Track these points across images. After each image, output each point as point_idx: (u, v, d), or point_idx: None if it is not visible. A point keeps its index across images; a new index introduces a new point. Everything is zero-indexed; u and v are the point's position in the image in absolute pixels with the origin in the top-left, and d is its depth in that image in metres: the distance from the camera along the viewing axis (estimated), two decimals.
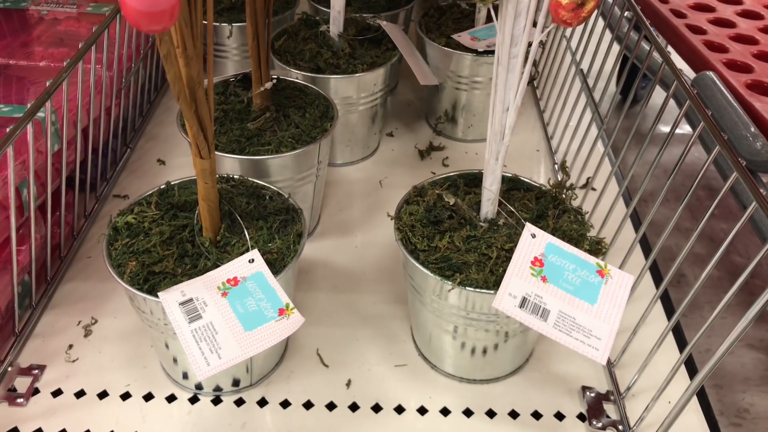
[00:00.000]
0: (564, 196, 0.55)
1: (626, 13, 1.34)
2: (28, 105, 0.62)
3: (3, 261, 0.55)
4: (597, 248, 0.51)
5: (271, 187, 0.56)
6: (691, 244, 0.49)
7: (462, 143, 0.84)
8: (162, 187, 0.55)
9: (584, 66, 0.82)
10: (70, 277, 0.64)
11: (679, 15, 1.05)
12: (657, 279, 0.70)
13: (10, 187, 0.51)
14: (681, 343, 0.62)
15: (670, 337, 0.61)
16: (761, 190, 0.44)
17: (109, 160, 0.75)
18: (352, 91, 0.73)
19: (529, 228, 0.50)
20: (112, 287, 0.62)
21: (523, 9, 0.45)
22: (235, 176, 0.57)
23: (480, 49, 0.75)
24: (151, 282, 0.47)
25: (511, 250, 0.49)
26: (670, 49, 1.06)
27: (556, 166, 0.80)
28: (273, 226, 0.52)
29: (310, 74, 0.71)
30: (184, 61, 0.41)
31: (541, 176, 0.79)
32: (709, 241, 1.09)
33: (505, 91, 0.48)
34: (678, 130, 0.55)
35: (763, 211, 0.43)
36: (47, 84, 0.54)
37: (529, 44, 0.47)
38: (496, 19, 0.46)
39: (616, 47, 0.79)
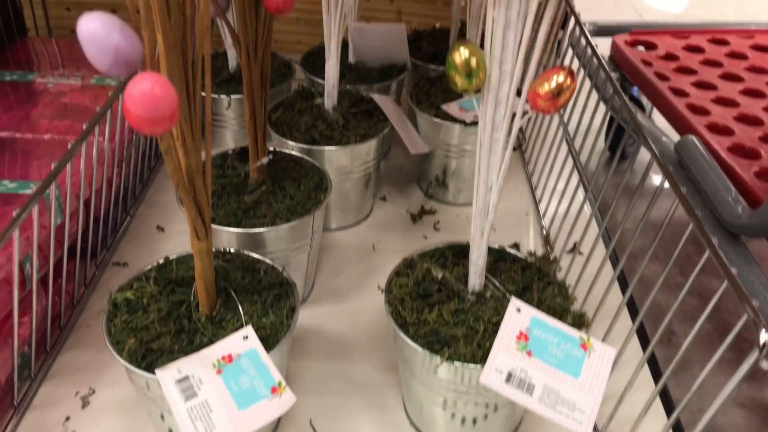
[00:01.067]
0: (548, 269, 0.57)
1: (613, 74, 1.38)
2: (33, 184, 0.65)
3: (4, 335, 0.57)
4: (580, 322, 0.53)
5: (266, 261, 0.58)
6: (679, 301, 0.51)
7: (453, 207, 0.86)
8: (160, 262, 0.57)
9: (573, 122, 0.84)
10: (69, 347, 0.65)
11: (663, 78, 1.09)
12: (646, 339, 0.71)
13: (14, 264, 0.53)
14: (669, 408, 0.63)
15: (660, 400, 0.63)
16: (732, 270, 0.46)
17: (109, 228, 0.77)
18: (346, 161, 0.75)
19: (515, 302, 0.52)
20: (111, 357, 0.62)
21: (503, 98, 0.48)
22: (231, 250, 0.59)
23: (468, 120, 0.78)
24: (148, 359, 0.49)
25: (497, 323, 0.51)
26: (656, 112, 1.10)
27: (544, 230, 0.82)
28: (267, 300, 0.54)
29: (305, 146, 0.74)
30: (184, 152, 0.43)
31: (530, 240, 0.81)
32: (698, 297, 1.10)
33: (488, 173, 0.50)
34: (666, 184, 0.57)
35: (734, 290, 0.45)
36: (52, 165, 0.56)
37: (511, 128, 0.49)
38: (478, 106, 0.49)
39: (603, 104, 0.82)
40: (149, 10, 0.35)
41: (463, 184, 0.84)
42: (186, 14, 0.39)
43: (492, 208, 0.51)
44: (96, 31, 0.35)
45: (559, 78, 0.46)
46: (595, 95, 0.85)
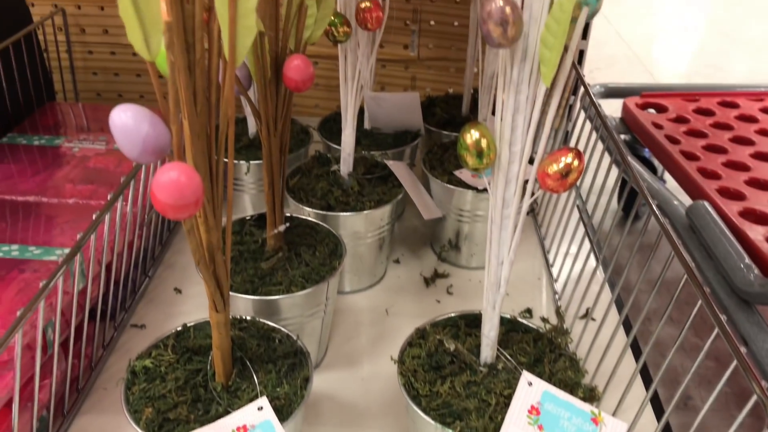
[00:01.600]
0: (560, 341, 0.58)
1: (623, 137, 1.40)
2: (57, 250, 0.67)
3: (24, 399, 0.58)
4: (591, 395, 0.53)
5: (281, 329, 0.59)
6: (695, 367, 0.51)
7: (465, 270, 0.87)
8: (179, 329, 0.59)
9: (586, 182, 0.85)
10: (86, 410, 0.66)
11: (674, 141, 1.10)
12: (660, 404, 0.71)
13: (38, 331, 0.55)
14: None
15: None
16: (741, 349, 0.47)
17: (128, 290, 0.79)
18: (360, 227, 0.77)
19: (526, 376, 0.52)
20: (127, 422, 0.64)
21: (513, 177, 0.50)
22: (247, 317, 0.60)
23: (480, 187, 0.80)
24: (165, 428, 0.49)
25: (509, 396, 0.52)
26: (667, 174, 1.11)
27: (556, 295, 0.82)
28: (281, 370, 0.55)
29: (321, 212, 0.75)
30: (205, 229, 0.45)
31: (542, 305, 0.82)
32: (714, 360, 1.10)
33: (499, 247, 0.52)
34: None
35: (742, 369, 0.45)
36: (78, 235, 0.58)
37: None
38: (489, 186, 0.51)
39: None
40: (177, 104, 0.37)
41: (475, 248, 0.86)
42: (211, 101, 0.42)
43: (504, 281, 0.52)
44: (127, 122, 0.37)
45: (567, 159, 0.47)
46: (608, 156, 0.87)
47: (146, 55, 0.36)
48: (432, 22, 1.04)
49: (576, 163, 0.48)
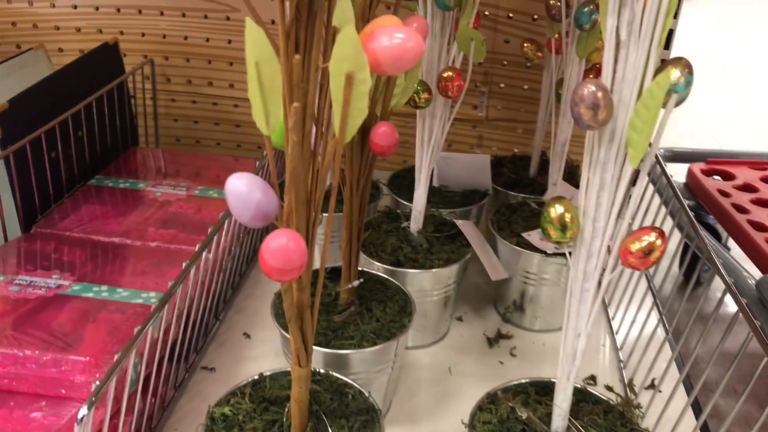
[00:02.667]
0: (631, 415, 0.58)
1: (687, 202, 1.39)
2: (143, 293, 0.70)
3: None
4: None
5: (355, 385, 0.61)
6: None
7: (529, 332, 0.87)
8: (255, 378, 0.61)
9: (629, 214, 0.85)
10: None
11: (741, 210, 1.09)
12: None
13: (128, 373, 0.58)
14: None
15: None
16: None
17: (200, 332, 0.81)
18: (427, 284, 0.79)
19: None
20: None
21: (594, 251, 0.51)
22: (321, 371, 0.62)
23: (549, 251, 0.80)
24: None
25: None
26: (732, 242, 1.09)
27: (621, 363, 0.82)
28: (354, 427, 0.56)
29: (390, 267, 0.77)
30: (299, 288, 0.47)
31: (606, 373, 0.81)
32: None
33: (577, 320, 0.52)
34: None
35: None
36: (168, 284, 0.61)
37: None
38: (570, 259, 0.52)
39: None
40: (294, 177, 0.40)
41: (540, 311, 0.86)
42: (314, 170, 0.44)
43: (580, 353, 0.53)
44: (241, 188, 0.40)
45: (650, 237, 0.48)
46: (670, 219, 0.87)
47: (265, 130, 0.39)
48: (502, 85, 1.06)
49: (659, 242, 0.48)
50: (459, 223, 0.83)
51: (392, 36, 0.39)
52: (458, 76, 0.70)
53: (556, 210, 0.50)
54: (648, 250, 0.48)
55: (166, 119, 1.16)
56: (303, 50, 0.39)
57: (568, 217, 0.50)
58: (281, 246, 0.38)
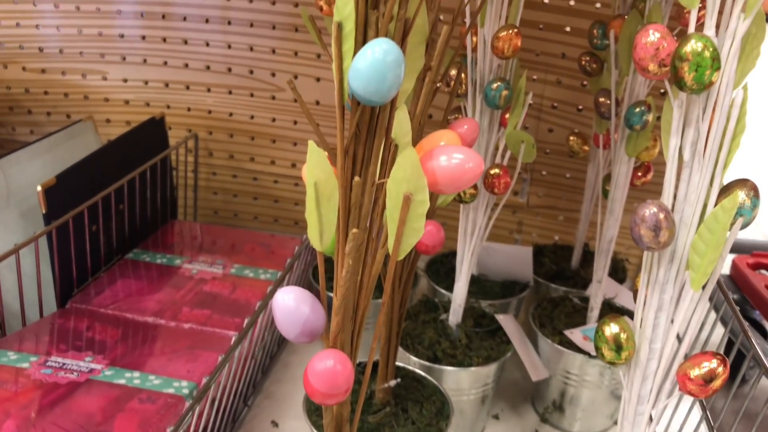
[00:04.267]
0: None
1: (732, 296, 1.34)
2: (174, 382, 0.68)
3: None
4: None
5: None
6: None
7: None
8: None
9: (688, 339, 0.82)
10: None
11: None
12: None
13: None
14: None
15: None
16: None
17: (228, 419, 0.79)
18: (465, 383, 0.76)
19: None
20: None
21: (650, 374, 0.48)
22: None
23: (592, 352, 0.77)
24: None
25: None
26: None
27: None
28: None
29: (427, 363, 0.75)
30: (338, 404, 0.45)
31: None
32: None
33: None
34: None
35: None
36: (203, 380, 0.60)
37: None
38: (624, 379, 0.49)
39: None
40: (345, 299, 0.39)
41: (581, 413, 0.82)
42: (362, 283, 0.43)
43: None
44: (288, 303, 0.39)
45: (710, 364, 0.46)
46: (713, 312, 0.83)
47: (318, 246, 0.38)
48: (544, 172, 1.05)
49: (720, 370, 0.46)
50: (499, 317, 0.81)
51: (451, 156, 0.38)
52: (505, 174, 0.69)
53: (611, 329, 0.48)
54: (709, 378, 0.46)
55: (206, 192, 1.17)
56: (360, 167, 0.39)
57: (623, 337, 0.48)
58: (328, 369, 0.37)
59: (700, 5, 0.42)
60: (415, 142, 0.43)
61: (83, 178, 0.87)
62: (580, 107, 1.00)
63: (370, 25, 0.36)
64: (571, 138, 0.87)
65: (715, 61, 0.40)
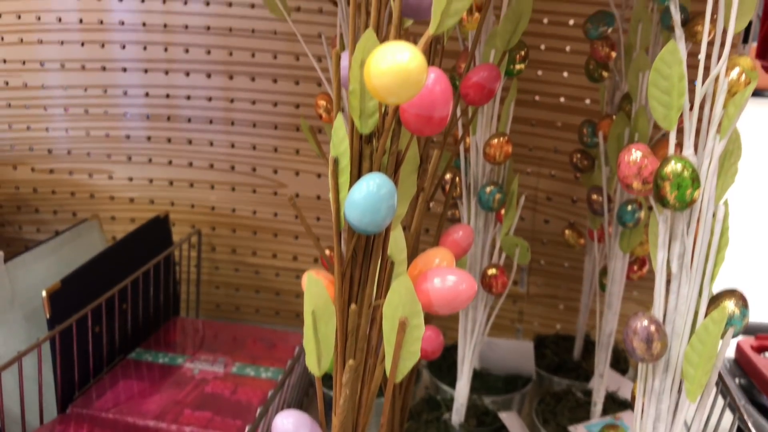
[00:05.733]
0: None
1: (740, 381, 1.33)
2: None
3: None
4: None
5: None
6: None
7: None
8: None
9: (697, 425, 0.80)
10: None
11: None
12: None
13: None
14: None
15: None
16: None
17: None
18: None
19: None
20: None
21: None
22: None
23: None
24: None
25: None
26: None
27: None
28: None
29: None
30: None
31: None
32: None
33: None
34: None
35: None
36: None
37: None
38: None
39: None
40: (345, 428, 0.39)
41: None
42: (359, 402, 0.43)
43: None
44: (288, 428, 0.39)
45: None
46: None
47: (316, 372, 0.39)
48: (542, 262, 1.06)
49: None
50: (503, 416, 0.80)
51: (445, 278, 0.40)
52: (502, 274, 0.71)
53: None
54: None
55: (208, 286, 1.18)
56: (357, 288, 0.40)
57: None
58: None
59: (678, 126, 0.45)
60: (411, 258, 0.44)
61: (88, 281, 0.88)
62: (575, 198, 1.02)
63: (365, 158, 0.38)
64: (567, 231, 0.88)
65: (695, 181, 0.42)
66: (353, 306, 0.37)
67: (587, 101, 0.98)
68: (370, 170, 0.38)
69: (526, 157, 1.02)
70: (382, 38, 0.38)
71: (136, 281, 0.95)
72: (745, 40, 0.90)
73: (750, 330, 1.30)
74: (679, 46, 0.42)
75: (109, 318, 0.91)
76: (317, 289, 0.37)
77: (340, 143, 0.38)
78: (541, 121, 1.00)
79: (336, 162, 0.38)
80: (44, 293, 0.80)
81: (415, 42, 0.34)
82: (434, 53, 0.53)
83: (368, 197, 0.36)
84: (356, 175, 0.38)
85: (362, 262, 0.40)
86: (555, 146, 1.00)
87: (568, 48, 0.97)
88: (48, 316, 0.81)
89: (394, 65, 0.31)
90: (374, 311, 0.42)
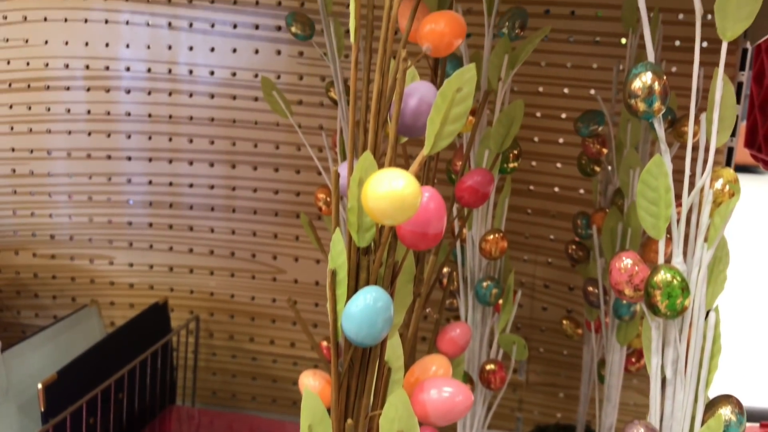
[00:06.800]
0: None
1: None
2: None
3: None
4: None
5: None
6: None
7: None
8: None
9: None
10: None
11: None
12: None
13: None
14: None
15: None
16: None
17: None
18: None
19: None
20: None
21: None
22: None
23: None
24: None
25: None
26: None
27: None
28: None
29: None
30: None
31: None
32: None
33: None
34: None
35: None
36: None
37: None
38: None
39: None
40: None
41: None
42: None
43: None
44: None
45: None
46: None
47: None
48: (541, 350, 1.06)
49: None
50: None
51: (441, 390, 0.40)
52: (501, 369, 0.71)
53: None
54: None
55: (205, 372, 1.17)
56: (354, 398, 0.40)
57: None
58: None
59: (667, 236, 0.46)
60: (408, 364, 0.45)
61: (84, 371, 0.88)
62: (572, 286, 1.03)
63: (362, 269, 0.40)
64: (564, 322, 0.89)
65: (685, 290, 0.43)
66: (349, 421, 0.37)
67: (581, 191, 1.00)
68: (367, 282, 0.39)
69: (523, 245, 1.03)
70: (379, 156, 0.40)
71: (133, 370, 0.95)
72: (733, 134, 0.93)
73: (754, 416, 1.28)
74: (664, 159, 0.44)
75: (104, 408, 0.90)
76: (314, 403, 0.37)
77: (338, 256, 0.39)
78: (536, 209, 1.02)
79: (334, 274, 0.39)
80: (40, 386, 0.80)
81: (410, 155, 0.36)
82: (428, 169, 0.55)
83: (365, 310, 0.37)
84: (353, 287, 0.39)
85: (359, 372, 0.41)
86: (551, 234, 1.02)
87: (561, 140, 0.99)
88: (42, 409, 0.81)
89: (390, 191, 0.33)
90: (370, 421, 0.42)
